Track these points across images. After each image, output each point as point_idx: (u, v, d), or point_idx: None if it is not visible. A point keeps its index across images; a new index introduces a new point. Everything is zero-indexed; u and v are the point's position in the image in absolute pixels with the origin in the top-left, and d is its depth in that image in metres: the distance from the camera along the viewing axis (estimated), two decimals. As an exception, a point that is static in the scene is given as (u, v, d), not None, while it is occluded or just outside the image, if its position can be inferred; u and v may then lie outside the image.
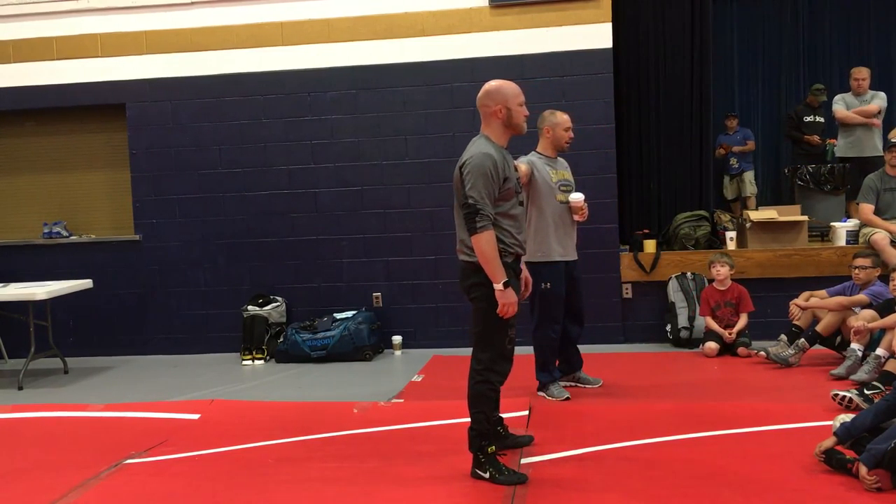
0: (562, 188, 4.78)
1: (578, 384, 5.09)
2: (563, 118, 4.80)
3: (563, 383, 5.00)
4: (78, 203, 7.23)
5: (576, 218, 4.82)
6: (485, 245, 3.41)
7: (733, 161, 8.75)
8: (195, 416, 4.85)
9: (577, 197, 4.77)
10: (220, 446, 4.25)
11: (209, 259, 6.89)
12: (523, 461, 3.79)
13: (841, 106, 7.24)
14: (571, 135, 4.84)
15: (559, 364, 5.04)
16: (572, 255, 4.87)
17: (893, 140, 6.29)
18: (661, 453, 3.87)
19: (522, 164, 4.68)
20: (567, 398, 4.81)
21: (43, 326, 6.28)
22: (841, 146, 7.42)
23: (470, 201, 3.40)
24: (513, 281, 3.52)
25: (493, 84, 3.60)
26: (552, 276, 4.69)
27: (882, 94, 7.29)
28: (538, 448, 3.96)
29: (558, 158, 4.90)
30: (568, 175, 4.90)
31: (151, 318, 6.97)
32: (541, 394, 4.91)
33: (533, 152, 4.86)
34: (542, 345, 4.84)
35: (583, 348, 5.12)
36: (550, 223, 4.73)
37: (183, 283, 6.92)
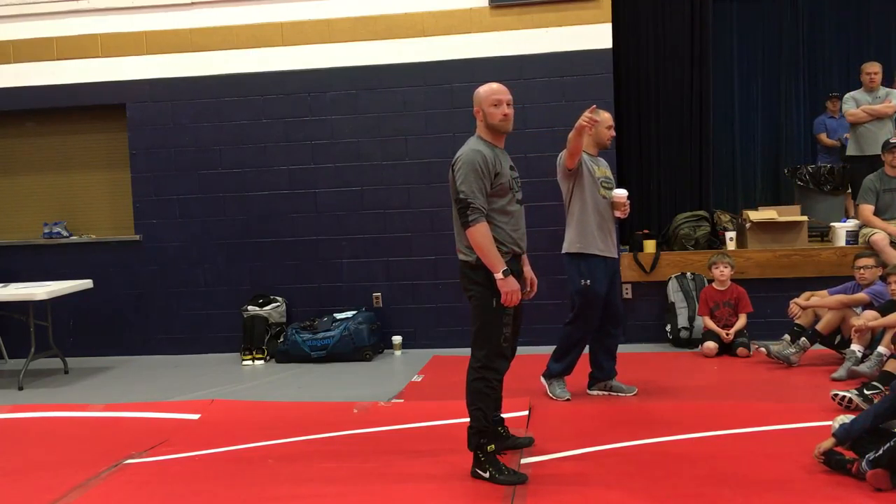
0: (604, 185, 4.72)
1: (611, 393, 4.92)
2: (606, 116, 4.76)
3: (595, 392, 4.92)
4: (78, 203, 7.23)
5: (617, 214, 4.74)
6: (479, 237, 3.45)
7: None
8: (195, 416, 4.85)
9: (620, 193, 4.70)
10: (221, 446, 4.25)
11: (209, 259, 6.90)
12: (523, 461, 3.79)
13: (851, 106, 6.96)
14: (613, 133, 4.78)
15: (592, 371, 4.94)
16: (614, 253, 4.79)
17: (893, 141, 6.27)
18: (661, 453, 3.87)
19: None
20: (567, 399, 4.77)
21: (43, 326, 6.28)
22: (851, 144, 7.13)
23: (461, 195, 3.48)
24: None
25: (479, 87, 3.67)
26: (592, 271, 4.61)
27: None
28: (538, 448, 3.97)
29: (599, 157, 4.84)
30: (609, 173, 4.84)
31: (151, 318, 6.98)
32: (543, 381, 4.87)
33: None
34: (570, 339, 4.78)
35: (582, 348, 5.11)
36: (592, 217, 4.64)
37: (183, 284, 6.92)
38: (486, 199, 3.51)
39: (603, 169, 4.80)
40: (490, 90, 3.63)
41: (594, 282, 4.63)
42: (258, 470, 3.88)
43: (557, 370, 4.84)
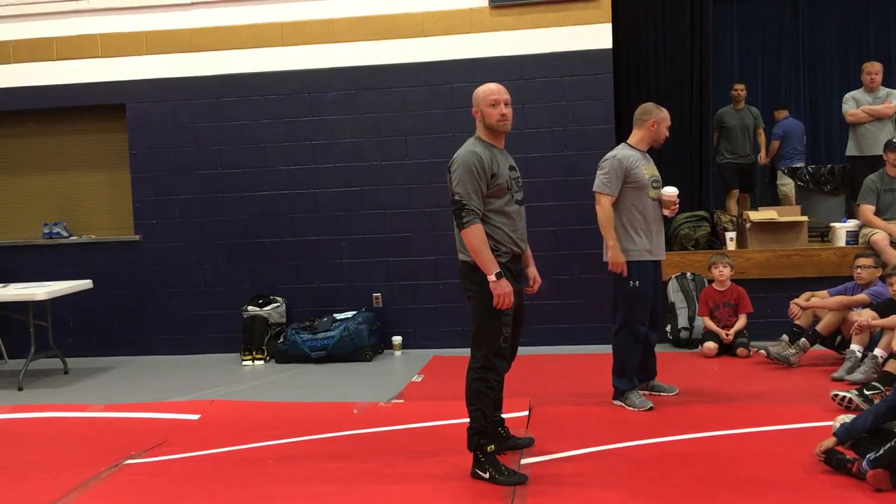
0: (653, 184, 4.62)
1: (653, 392, 4.84)
2: (667, 114, 4.68)
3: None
4: (78, 203, 7.22)
5: (665, 213, 4.66)
6: (473, 238, 3.46)
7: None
8: (195, 417, 4.85)
9: (671, 191, 4.60)
10: (220, 446, 4.26)
11: (209, 259, 6.89)
12: (523, 461, 3.80)
13: (851, 105, 6.94)
14: (668, 134, 4.71)
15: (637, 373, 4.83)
16: (662, 255, 4.71)
17: (894, 141, 6.26)
18: (661, 453, 3.88)
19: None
20: (650, 408, 4.55)
21: (43, 327, 6.28)
22: (851, 145, 7.07)
23: (456, 197, 3.49)
24: (509, 280, 3.53)
25: (477, 88, 3.67)
26: (640, 275, 4.52)
27: None
28: (538, 448, 3.97)
29: (647, 154, 4.72)
30: (656, 170, 4.73)
31: (151, 318, 6.97)
32: (618, 403, 4.65)
33: (624, 144, 4.69)
34: (624, 348, 4.61)
35: (581, 349, 5.08)
36: (642, 222, 4.55)
37: (183, 284, 6.92)
38: (483, 200, 3.51)
39: (652, 167, 4.70)
40: (487, 90, 3.63)
41: (643, 283, 4.54)
42: (258, 470, 3.88)
43: (626, 387, 4.64)
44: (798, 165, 7.97)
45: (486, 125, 3.62)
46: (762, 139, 8.17)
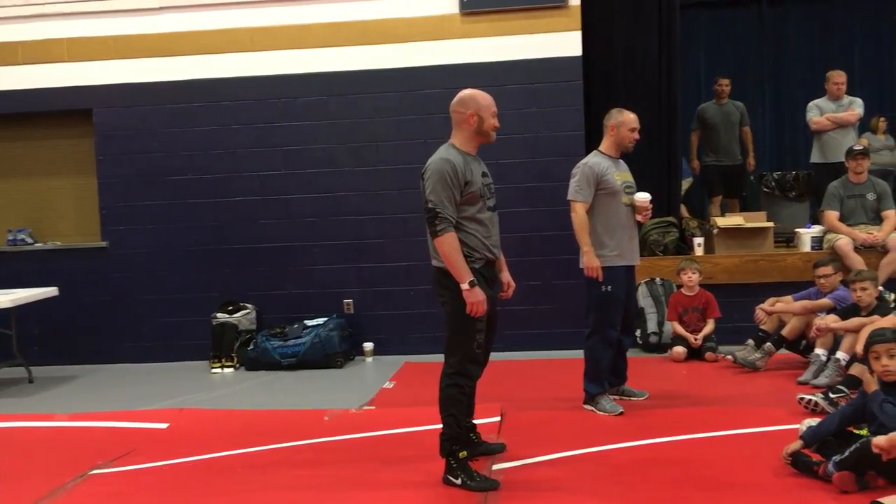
0: (626, 190, 4.65)
1: (623, 397, 4.86)
2: (629, 117, 4.67)
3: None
4: (43, 210, 7.10)
5: (638, 218, 4.70)
6: (446, 247, 3.46)
7: None
8: (164, 426, 4.79)
9: (644, 197, 4.64)
10: (190, 455, 4.20)
11: (178, 266, 6.81)
12: (495, 467, 3.80)
13: (815, 113, 7.06)
14: (637, 136, 4.70)
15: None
16: (635, 260, 4.76)
17: (856, 148, 6.40)
18: (632, 457, 3.91)
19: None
20: (621, 412, 4.57)
21: (7, 335, 6.17)
22: (815, 152, 7.20)
23: (429, 205, 3.47)
24: (483, 286, 3.54)
25: (467, 92, 3.67)
26: (612, 280, 4.55)
27: (860, 101, 7.07)
28: (510, 454, 3.98)
29: (620, 160, 4.77)
30: (630, 177, 4.76)
31: (119, 326, 6.87)
32: (588, 407, 4.68)
33: (595, 151, 4.73)
34: (596, 352, 4.65)
35: (553, 354, 5.09)
36: (616, 228, 4.59)
37: (151, 291, 6.83)
38: (456, 207, 3.51)
39: (624, 173, 4.73)
40: (489, 99, 3.63)
41: (615, 287, 4.58)
42: (228, 479, 3.84)
43: (596, 391, 4.67)
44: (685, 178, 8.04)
45: (480, 131, 3.62)
46: (748, 138, 7.82)
